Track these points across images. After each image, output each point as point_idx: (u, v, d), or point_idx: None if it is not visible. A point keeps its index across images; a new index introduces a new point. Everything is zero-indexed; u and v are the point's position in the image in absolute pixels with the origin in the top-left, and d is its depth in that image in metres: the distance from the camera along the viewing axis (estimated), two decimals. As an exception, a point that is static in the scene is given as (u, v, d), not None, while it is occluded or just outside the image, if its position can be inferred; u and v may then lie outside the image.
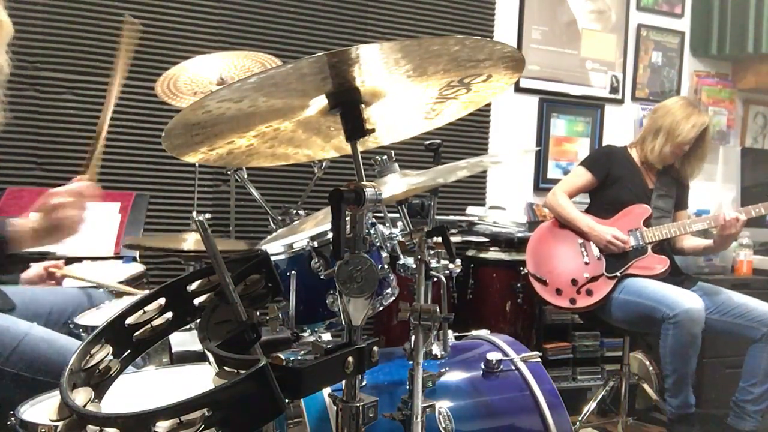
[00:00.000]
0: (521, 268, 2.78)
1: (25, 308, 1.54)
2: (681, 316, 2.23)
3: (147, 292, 0.94)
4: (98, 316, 1.57)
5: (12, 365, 1.24)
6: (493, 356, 1.35)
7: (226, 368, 0.71)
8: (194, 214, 2.25)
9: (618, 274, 2.50)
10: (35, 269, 1.82)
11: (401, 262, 1.31)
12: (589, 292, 2.53)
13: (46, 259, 1.89)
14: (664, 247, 2.59)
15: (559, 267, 2.59)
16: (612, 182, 2.67)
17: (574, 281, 2.55)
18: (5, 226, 1.34)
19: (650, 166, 2.67)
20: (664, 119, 2.59)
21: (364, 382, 1.24)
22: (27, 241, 1.35)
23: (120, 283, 1.94)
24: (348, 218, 0.91)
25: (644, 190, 2.66)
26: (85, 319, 1.56)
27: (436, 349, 1.31)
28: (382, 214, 1.46)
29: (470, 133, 3.43)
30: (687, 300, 2.28)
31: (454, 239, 3.02)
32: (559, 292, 2.58)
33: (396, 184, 1.19)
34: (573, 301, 2.55)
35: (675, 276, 2.58)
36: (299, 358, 1.39)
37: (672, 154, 2.60)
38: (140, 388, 1.10)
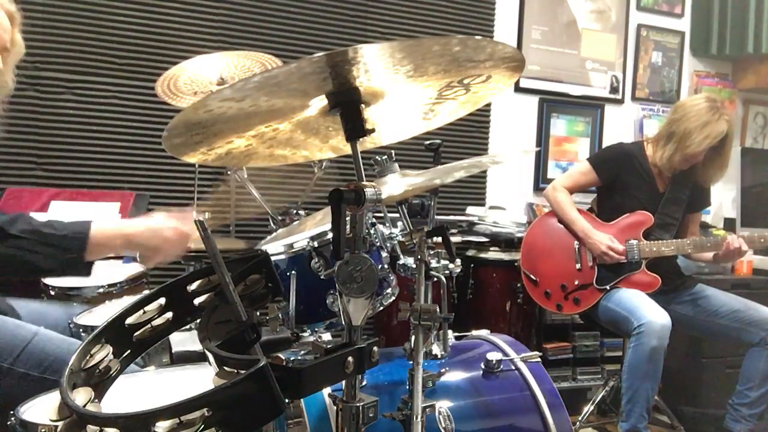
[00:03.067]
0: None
1: (30, 321, 1.55)
2: (642, 328, 2.19)
3: (147, 292, 0.94)
4: (98, 316, 1.57)
5: (21, 365, 1.25)
6: (493, 356, 1.35)
7: (226, 368, 0.71)
8: (194, 213, 2.24)
9: (607, 287, 2.47)
10: None
11: (401, 262, 1.31)
12: (576, 301, 2.51)
13: None
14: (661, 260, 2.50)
15: (551, 268, 2.57)
16: (619, 188, 2.56)
17: (563, 286, 2.53)
18: (87, 228, 1.33)
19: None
20: (678, 125, 2.40)
21: (364, 382, 1.24)
22: (112, 245, 1.37)
23: (119, 283, 1.94)
24: (348, 218, 0.91)
25: (653, 197, 2.54)
26: (85, 319, 1.56)
27: (436, 349, 1.31)
28: (382, 214, 1.46)
29: (470, 133, 3.42)
30: (651, 312, 2.22)
31: (454, 239, 3.02)
32: (547, 294, 2.57)
33: (396, 184, 1.19)
34: (559, 306, 2.55)
35: (676, 278, 2.57)
36: (299, 358, 1.39)
37: (683, 162, 2.45)
38: (140, 388, 1.10)
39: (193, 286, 0.94)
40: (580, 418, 2.71)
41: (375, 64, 0.97)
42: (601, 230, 2.53)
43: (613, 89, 3.80)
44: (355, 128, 1.05)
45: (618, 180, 2.56)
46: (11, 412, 0.87)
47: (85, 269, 1.35)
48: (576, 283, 2.52)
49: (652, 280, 2.45)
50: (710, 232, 3.34)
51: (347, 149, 1.11)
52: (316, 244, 1.33)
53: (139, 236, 1.38)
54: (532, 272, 2.61)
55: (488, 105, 3.45)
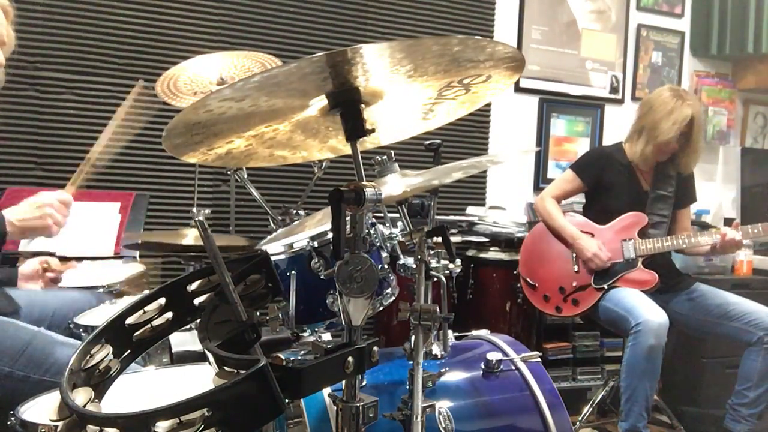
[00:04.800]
0: (521, 268, 2.79)
1: (29, 311, 1.55)
2: (639, 327, 2.19)
3: (147, 292, 0.94)
4: (98, 316, 1.58)
5: (21, 367, 1.26)
6: (493, 356, 1.35)
7: (226, 368, 0.71)
8: (194, 209, 2.25)
9: (605, 286, 2.47)
10: (31, 265, 1.83)
11: (401, 262, 1.31)
12: (575, 302, 2.51)
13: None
14: (656, 257, 2.51)
15: (549, 272, 2.58)
16: (604, 189, 2.60)
17: (562, 289, 2.54)
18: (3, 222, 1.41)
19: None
20: (645, 118, 2.49)
21: (364, 382, 1.24)
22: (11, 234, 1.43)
23: (119, 283, 1.94)
24: (348, 218, 0.91)
25: (639, 195, 2.57)
26: (85, 319, 1.56)
27: (436, 349, 1.31)
28: (382, 214, 1.46)
29: (470, 133, 3.43)
30: (648, 311, 2.22)
31: (454, 239, 3.02)
32: (546, 298, 2.57)
33: (396, 184, 1.19)
34: (559, 309, 2.55)
35: (674, 277, 2.57)
36: (299, 358, 1.39)
37: (657, 153, 2.49)
38: (140, 388, 1.10)
39: (193, 286, 0.94)
40: (580, 418, 2.71)
41: (375, 64, 0.97)
42: (598, 233, 2.55)
43: (613, 89, 3.80)
44: (355, 128, 1.05)
45: (602, 182, 2.60)
46: (11, 413, 0.87)
47: None
48: (574, 284, 2.52)
49: (650, 277, 2.45)
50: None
51: (347, 149, 1.11)
52: (316, 244, 1.33)
53: (22, 214, 1.44)
54: (531, 277, 2.62)
55: (488, 105, 3.45)
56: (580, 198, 2.83)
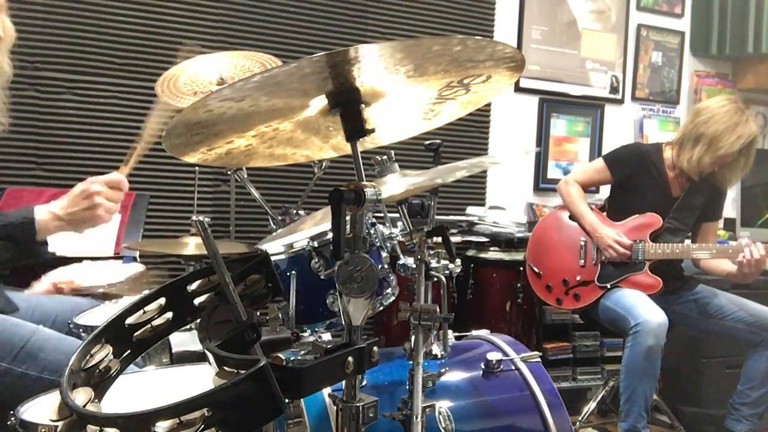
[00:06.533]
0: (521, 268, 2.78)
1: (28, 314, 1.55)
2: (638, 327, 2.18)
3: (147, 292, 0.94)
4: (98, 316, 1.57)
5: (19, 364, 1.25)
6: (493, 356, 1.35)
7: (226, 368, 0.71)
8: (194, 216, 2.25)
9: (608, 285, 2.46)
10: (43, 285, 1.81)
11: (401, 262, 1.31)
12: (576, 296, 2.51)
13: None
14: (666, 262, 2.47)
15: (555, 263, 2.57)
16: (631, 188, 2.54)
17: (565, 281, 2.53)
18: (31, 212, 1.37)
19: (683, 171, 2.48)
20: (707, 126, 2.37)
21: (364, 382, 1.24)
22: (50, 229, 1.39)
23: (120, 283, 1.94)
24: (348, 218, 0.91)
25: (665, 201, 2.50)
26: (85, 319, 1.56)
27: (436, 349, 1.31)
28: (382, 214, 1.46)
29: (470, 133, 3.43)
30: (647, 312, 2.21)
31: (454, 239, 3.02)
32: (549, 288, 2.57)
33: (396, 184, 1.19)
34: (559, 301, 2.55)
35: (677, 279, 2.56)
36: (299, 358, 1.39)
37: (711, 165, 2.40)
38: (140, 388, 1.10)
39: (193, 286, 0.94)
40: (580, 418, 2.71)
41: (375, 64, 0.97)
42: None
43: (613, 89, 3.80)
44: (355, 128, 1.05)
45: (630, 180, 2.55)
46: (11, 412, 0.87)
47: (41, 253, 1.38)
48: (578, 279, 2.52)
49: (654, 282, 2.43)
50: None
51: (347, 149, 1.11)
52: (316, 244, 1.33)
53: (69, 206, 1.39)
54: (537, 265, 2.62)
55: (488, 105, 3.45)
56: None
